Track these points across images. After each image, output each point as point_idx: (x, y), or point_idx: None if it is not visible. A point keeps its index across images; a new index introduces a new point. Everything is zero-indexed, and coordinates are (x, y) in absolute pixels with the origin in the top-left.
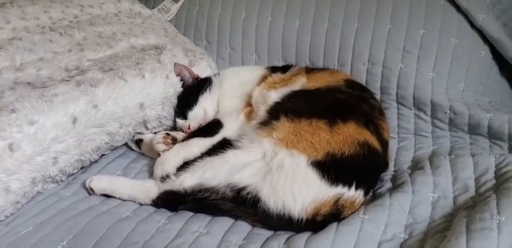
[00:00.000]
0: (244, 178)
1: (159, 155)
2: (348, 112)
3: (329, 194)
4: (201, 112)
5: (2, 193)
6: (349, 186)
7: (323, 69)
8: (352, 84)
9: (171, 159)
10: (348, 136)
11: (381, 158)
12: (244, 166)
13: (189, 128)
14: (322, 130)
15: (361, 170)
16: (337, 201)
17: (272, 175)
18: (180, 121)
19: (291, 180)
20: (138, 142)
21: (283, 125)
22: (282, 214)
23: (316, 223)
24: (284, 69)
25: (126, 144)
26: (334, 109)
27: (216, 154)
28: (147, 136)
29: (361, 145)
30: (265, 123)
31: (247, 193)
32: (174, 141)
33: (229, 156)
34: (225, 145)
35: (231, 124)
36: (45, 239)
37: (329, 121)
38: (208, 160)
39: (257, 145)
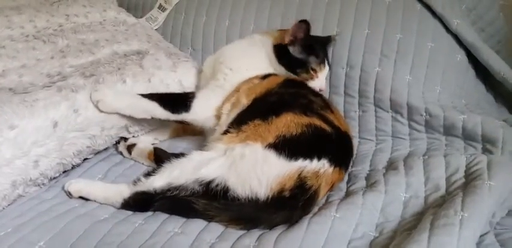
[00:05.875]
0: (211, 172)
1: (150, 161)
2: (281, 108)
3: (291, 169)
4: None
5: None
6: (311, 159)
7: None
8: (288, 83)
9: None
10: (289, 121)
11: (334, 136)
12: (210, 161)
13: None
14: (260, 125)
15: (316, 144)
16: (300, 174)
17: (236, 164)
18: (326, 70)
19: (253, 164)
20: (130, 146)
21: (230, 135)
22: (250, 197)
23: (284, 199)
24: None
25: (114, 149)
26: (267, 110)
27: (182, 156)
28: (140, 142)
29: (306, 126)
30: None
31: (217, 185)
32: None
33: (194, 155)
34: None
35: None
36: (23, 240)
37: (262, 118)
38: (175, 161)
39: (215, 147)
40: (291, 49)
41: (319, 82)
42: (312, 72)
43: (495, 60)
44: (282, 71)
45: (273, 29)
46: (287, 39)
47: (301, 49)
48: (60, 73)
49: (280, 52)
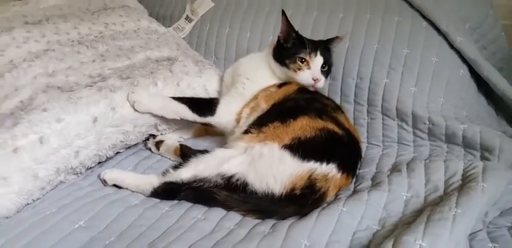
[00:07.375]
0: (232, 167)
1: (176, 156)
2: (297, 112)
3: (303, 169)
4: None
5: (31, 179)
6: (321, 162)
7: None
8: (303, 90)
9: None
10: (305, 125)
11: (345, 139)
12: (231, 158)
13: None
14: (279, 127)
15: (327, 148)
16: (310, 175)
17: (255, 163)
18: (318, 60)
19: (270, 163)
20: (158, 143)
21: (250, 135)
22: (266, 192)
23: (296, 196)
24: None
25: (143, 145)
26: (285, 114)
27: (207, 152)
28: (167, 139)
29: (320, 130)
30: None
31: (237, 180)
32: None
33: (218, 152)
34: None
35: None
36: (66, 219)
37: (281, 120)
38: (200, 156)
39: (236, 146)
40: (284, 44)
41: (310, 73)
42: (299, 62)
43: (495, 77)
44: (279, 71)
45: None
46: (280, 36)
47: (292, 41)
48: (100, 75)
49: (276, 51)
